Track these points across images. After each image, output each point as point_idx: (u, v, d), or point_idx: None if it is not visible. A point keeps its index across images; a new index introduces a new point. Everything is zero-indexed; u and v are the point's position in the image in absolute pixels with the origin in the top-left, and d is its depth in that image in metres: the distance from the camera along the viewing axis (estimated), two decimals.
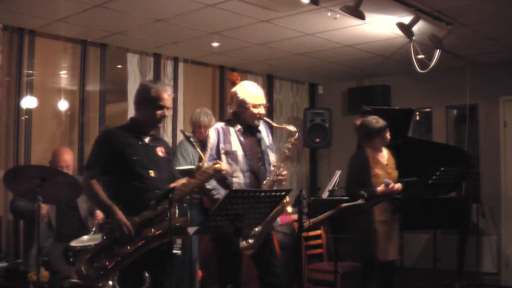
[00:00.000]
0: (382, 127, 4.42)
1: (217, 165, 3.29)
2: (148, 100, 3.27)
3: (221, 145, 3.68)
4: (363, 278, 4.47)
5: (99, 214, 4.55)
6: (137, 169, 3.21)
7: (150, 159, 3.28)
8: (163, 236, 3.12)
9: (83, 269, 3.07)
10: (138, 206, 3.15)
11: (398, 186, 4.36)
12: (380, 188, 4.28)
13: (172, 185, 3.29)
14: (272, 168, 3.72)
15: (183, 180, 3.37)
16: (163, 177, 3.31)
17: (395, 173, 4.46)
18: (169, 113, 3.41)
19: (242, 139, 3.72)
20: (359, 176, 4.39)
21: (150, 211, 3.14)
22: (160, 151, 3.36)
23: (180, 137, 6.24)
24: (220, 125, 3.77)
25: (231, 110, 4.22)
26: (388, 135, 4.45)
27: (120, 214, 3.10)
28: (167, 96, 3.30)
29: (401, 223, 4.49)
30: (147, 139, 3.34)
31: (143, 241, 3.11)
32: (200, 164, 3.33)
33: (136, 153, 3.23)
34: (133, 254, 3.09)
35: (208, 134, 3.75)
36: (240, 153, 3.67)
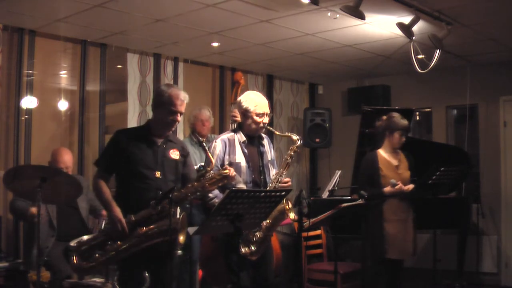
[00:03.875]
0: (404, 126, 4.50)
1: (225, 171, 3.33)
2: (161, 104, 3.35)
3: (226, 157, 3.74)
4: (366, 277, 4.52)
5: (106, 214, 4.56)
6: (141, 169, 3.27)
7: (158, 160, 3.33)
8: (155, 235, 3.15)
9: (75, 260, 3.18)
10: (139, 205, 3.21)
11: (408, 186, 4.43)
12: (387, 188, 4.38)
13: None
14: (274, 176, 3.74)
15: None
16: (169, 178, 3.34)
17: (406, 174, 4.53)
18: (181, 118, 3.46)
19: (246, 151, 3.77)
20: (368, 176, 4.50)
21: (146, 211, 3.18)
22: (173, 153, 3.41)
23: (180, 137, 6.24)
24: (227, 136, 3.82)
25: (233, 115, 4.23)
26: (403, 138, 4.52)
27: (117, 211, 3.19)
28: (179, 102, 3.34)
29: (415, 222, 4.55)
30: (160, 141, 3.39)
31: (136, 239, 3.15)
32: (208, 168, 3.34)
33: (142, 154, 3.30)
34: (126, 251, 3.15)
35: (214, 144, 3.79)
36: (243, 164, 3.73)
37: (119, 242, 3.16)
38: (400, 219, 4.43)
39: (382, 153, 4.55)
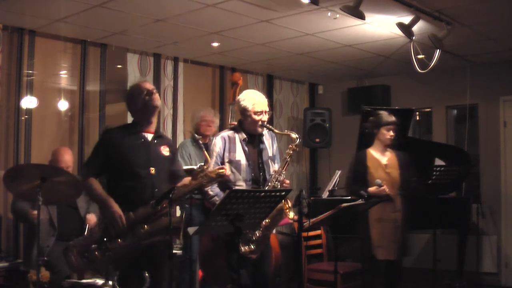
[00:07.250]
0: (390, 121, 4.46)
1: (221, 170, 3.31)
2: (143, 104, 3.31)
3: (226, 154, 3.74)
4: (365, 277, 4.49)
5: (91, 219, 4.57)
6: (135, 168, 3.22)
7: (151, 157, 3.29)
8: (155, 234, 3.14)
9: (73, 260, 3.13)
10: (135, 204, 3.17)
11: (389, 190, 4.31)
12: (372, 188, 4.31)
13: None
14: (273, 174, 3.74)
15: (188, 179, 3.39)
16: (162, 175, 3.32)
17: (395, 173, 4.44)
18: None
19: (246, 148, 3.77)
20: (355, 175, 4.47)
21: (145, 209, 3.15)
22: (164, 150, 3.38)
23: (180, 138, 6.24)
24: (227, 133, 3.82)
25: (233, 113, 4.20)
26: (391, 133, 4.47)
27: (116, 206, 3.13)
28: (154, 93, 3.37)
29: (407, 222, 4.46)
30: (150, 137, 3.35)
31: (136, 237, 3.12)
32: (205, 166, 3.33)
33: (135, 152, 3.25)
34: (124, 249, 3.10)
35: (214, 142, 3.79)
36: (243, 162, 3.72)
37: (119, 240, 3.13)
38: (388, 219, 4.34)
39: (372, 152, 4.51)
